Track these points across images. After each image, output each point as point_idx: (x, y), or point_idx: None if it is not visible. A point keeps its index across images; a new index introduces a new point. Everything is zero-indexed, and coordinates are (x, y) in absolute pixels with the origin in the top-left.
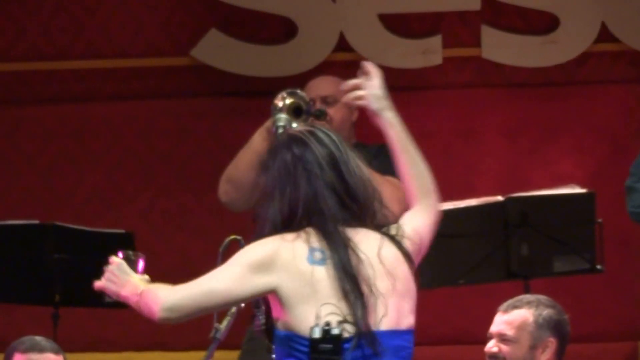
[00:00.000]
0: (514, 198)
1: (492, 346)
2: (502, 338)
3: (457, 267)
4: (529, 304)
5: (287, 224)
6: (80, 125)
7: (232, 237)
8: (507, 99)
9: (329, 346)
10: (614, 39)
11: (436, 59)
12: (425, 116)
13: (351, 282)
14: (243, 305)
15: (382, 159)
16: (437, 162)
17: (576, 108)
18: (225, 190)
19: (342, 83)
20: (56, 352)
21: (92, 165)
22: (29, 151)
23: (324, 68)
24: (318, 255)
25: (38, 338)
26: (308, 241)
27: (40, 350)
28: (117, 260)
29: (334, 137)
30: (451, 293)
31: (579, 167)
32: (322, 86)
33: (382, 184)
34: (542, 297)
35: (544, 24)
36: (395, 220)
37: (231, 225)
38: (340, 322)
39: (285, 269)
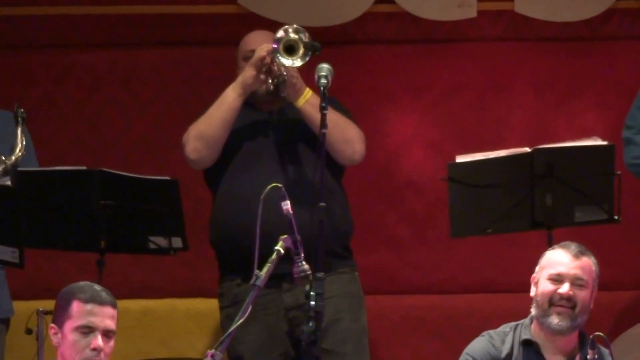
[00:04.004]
0: (541, 149)
1: (568, 289)
2: (578, 283)
3: (486, 216)
4: (586, 252)
5: None
6: (128, 71)
7: (274, 184)
8: (537, 53)
9: None
10: None
11: (471, 12)
12: (459, 68)
13: None
14: (282, 251)
15: (336, 106)
16: (470, 113)
17: (599, 64)
18: (195, 147)
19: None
20: (114, 306)
21: (139, 112)
22: (78, 97)
23: (366, 18)
24: None
25: (97, 287)
26: None
27: (101, 303)
28: None
29: None
30: (479, 243)
31: (601, 121)
32: (265, 40)
33: (348, 124)
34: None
35: None
36: (361, 158)
37: None
38: None
39: None
